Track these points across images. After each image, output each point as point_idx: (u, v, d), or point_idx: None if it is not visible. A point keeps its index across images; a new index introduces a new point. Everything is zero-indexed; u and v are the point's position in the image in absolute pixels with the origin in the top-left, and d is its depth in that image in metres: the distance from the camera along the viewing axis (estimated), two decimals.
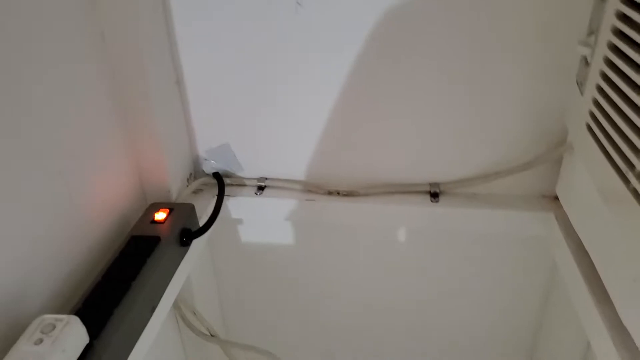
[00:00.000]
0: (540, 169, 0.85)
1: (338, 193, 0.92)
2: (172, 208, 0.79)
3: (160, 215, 0.77)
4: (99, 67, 0.72)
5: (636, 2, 0.44)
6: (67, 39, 0.65)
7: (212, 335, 0.96)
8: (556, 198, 0.85)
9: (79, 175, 0.69)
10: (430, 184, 0.90)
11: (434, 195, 0.89)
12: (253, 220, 0.98)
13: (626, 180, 0.44)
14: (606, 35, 0.51)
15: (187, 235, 0.77)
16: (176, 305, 0.93)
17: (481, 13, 0.73)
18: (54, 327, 0.51)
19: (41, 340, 0.49)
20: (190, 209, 0.81)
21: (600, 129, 0.51)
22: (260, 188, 0.94)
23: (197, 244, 0.83)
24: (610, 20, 0.50)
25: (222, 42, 0.81)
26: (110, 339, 0.57)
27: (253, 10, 0.78)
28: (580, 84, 0.60)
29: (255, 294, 1.07)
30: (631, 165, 0.43)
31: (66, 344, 0.51)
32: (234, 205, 0.93)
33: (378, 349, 1.13)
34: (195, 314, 0.93)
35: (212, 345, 1.00)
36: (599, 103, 0.52)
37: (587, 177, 0.65)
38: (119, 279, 0.64)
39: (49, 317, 0.52)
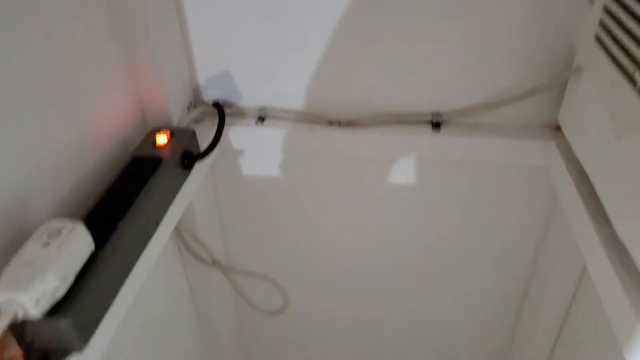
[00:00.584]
0: (542, 98, 0.84)
1: (339, 123, 0.92)
2: (173, 132, 0.79)
3: (161, 139, 0.77)
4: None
5: None
6: None
7: (214, 262, 0.98)
8: (558, 128, 0.85)
9: (80, 98, 0.69)
10: (433, 114, 0.90)
11: (436, 125, 0.89)
12: (254, 150, 0.98)
13: (633, 83, 0.44)
14: None
15: (189, 158, 0.77)
16: (179, 233, 0.94)
17: None
18: (60, 232, 0.52)
19: (48, 244, 0.50)
20: (191, 134, 0.80)
21: (610, 37, 0.51)
22: (261, 118, 0.93)
23: (199, 170, 0.83)
24: None
25: None
26: (114, 250, 0.58)
27: None
28: None
29: (257, 223, 1.08)
30: (638, 66, 0.43)
31: (73, 248, 0.51)
32: (234, 134, 0.93)
33: (377, 283, 1.16)
34: (197, 240, 0.95)
35: (214, 272, 1.02)
36: (608, 9, 0.51)
37: (594, 96, 0.64)
38: (123, 195, 0.65)
39: (55, 223, 0.53)
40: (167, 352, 1.00)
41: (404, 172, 0.97)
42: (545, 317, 1.02)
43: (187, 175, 0.78)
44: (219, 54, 0.90)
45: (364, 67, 0.87)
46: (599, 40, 0.54)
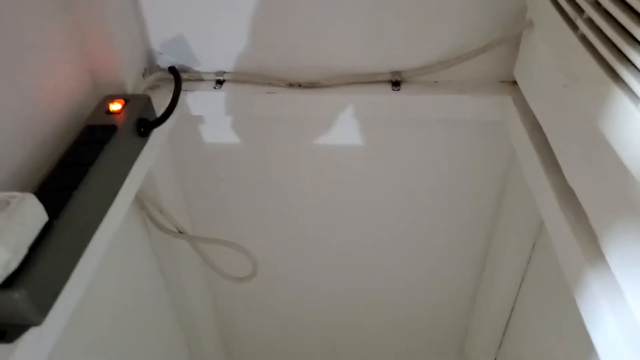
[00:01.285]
0: (498, 53, 0.85)
1: (299, 85, 0.91)
2: (127, 99, 0.77)
3: (115, 106, 0.75)
4: None
5: None
6: None
7: (180, 232, 0.98)
8: (514, 83, 0.86)
9: (21, 64, 0.66)
10: (392, 73, 0.90)
11: (395, 84, 0.89)
12: (213, 116, 0.96)
13: (575, 28, 0.44)
14: None
15: (145, 125, 0.76)
16: (142, 205, 0.93)
17: None
18: (8, 203, 0.50)
19: None
20: (146, 100, 0.78)
21: None
22: (219, 82, 0.92)
23: (157, 137, 0.81)
24: None
25: None
26: (70, 220, 0.57)
27: None
28: None
29: (220, 190, 1.08)
30: (580, 11, 0.43)
31: (24, 219, 0.50)
32: (192, 100, 0.91)
33: (346, 242, 1.17)
34: (162, 211, 0.94)
35: (180, 243, 1.02)
36: None
37: (544, 48, 0.65)
38: (77, 165, 0.63)
39: (3, 194, 0.51)
40: (138, 325, 1.00)
41: (364, 132, 0.97)
42: (504, 276, 1.06)
43: (144, 142, 0.77)
44: (172, 17, 0.87)
45: (321, 28, 0.86)
46: None
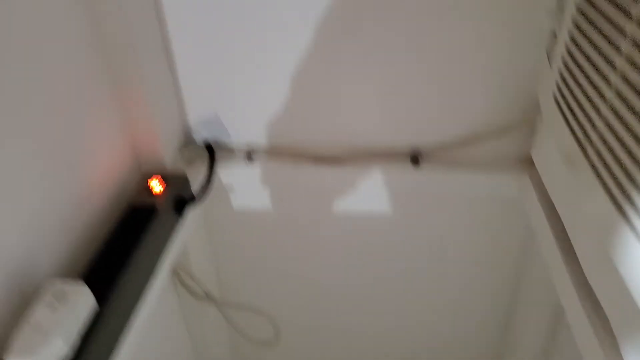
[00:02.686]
0: (516, 133, 0.89)
1: (324, 160, 0.96)
2: (166, 178, 0.83)
3: (155, 185, 0.81)
4: (89, 40, 0.74)
5: None
6: (65, 22, 0.67)
7: (208, 297, 1.02)
8: (532, 162, 0.89)
9: (75, 147, 0.72)
10: (412, 149, 0.94)
11: (415, 160, 0.93)
12: (243, 187, 1.02)
13: (585, 152, 0.49)
14: (571, 13, 0.54)
15: (182, 204, 0.81)
16: (174, 271, 0.98)
17: None
18: (65, 294, 0.56)
19: (54, 307, 0.54)
20: (184, 179, 0.84)
21: (564, 102, 0.55)
22: (249, 156, 0.97)
23: (192, 211, 0.87)
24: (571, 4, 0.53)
25: (209, 17, 0.83)
26: (115, 305, 0.62)
27: None
28: (549, 56, 0.63)
29: (248, 256, 1.12)
30: (588, 139, 0.48)
31: (78, 310, 0.55)
32: (224, 173, 0.97)
33: (367, 308, 1.20)
34: (192, 278, 0.99)
35: (209, 308, 1.06)
36: (564, 77, 0.56)
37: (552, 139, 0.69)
38: (120, 248, 0.69)
39: (60, 284, 0.56)
40: None
41: (386, 205, 1.01)
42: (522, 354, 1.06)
43: (181, 220, 0.82)
44: (208, 95, 0.94)
45: (346, 106, 0.91)
46: (556, 100, 0.59)
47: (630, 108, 0.42)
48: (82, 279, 0.63)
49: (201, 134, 0.98)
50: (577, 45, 0.52)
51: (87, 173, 0.75)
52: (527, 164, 0.91)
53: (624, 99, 0.43)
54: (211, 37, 0.85)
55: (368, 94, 0.89)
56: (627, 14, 0.42)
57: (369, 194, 1.00)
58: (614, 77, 0.44)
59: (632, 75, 0.41)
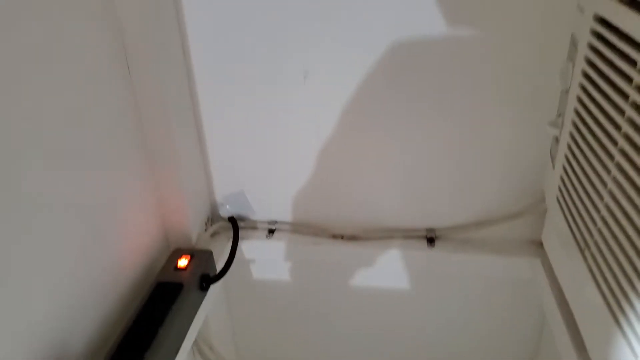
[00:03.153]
0: (528, 217, 0.93)
1: (342, 237, 1.00)
2: (193, 254, 0.88)
3: (182, 262, 0.86)
4: (132, 131, 0.82)
5: (589, 109, 0.53)
6: (108, 105, 0.75)
7: None
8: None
9: (111, 226, 0.78)
10: (427, 229, 0.98)
11: (430, 240, 0.97)
12: (263, 259, 1.06)
13: (584, 256, 0.52)
14: (569, 125, 0.59)
15: (207, 280, 0.86)
16: (195, 343, 1.01)
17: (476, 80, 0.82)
18: None
19: None
20: (209, 255, 0.89)
21: (565, 204, 0.60)
22: (271, 231, 1.03)
23: (215, 286, 0.91)
24: (570, 115, 0.58)
25: (238, 101, 0.91)
26: None
27: (266, 77, 0.88)
28: (553, 158, 0.68)
29: (267, 327, 1.15)
30: (586, 245, 0.51)
31: None
32: (246, 247, 1.02)
33: None
34: (212, 349, 1.02)
35: None
36: (564, 182, 0.60)
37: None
38: (147, 325, 0.73)
39: None
40: None
41: (402, 282, 1.04)
42: None
43: (205, 296, 0.86)
44: (235, 173, 1.00)
45: (366, 186, 0.96)
46: (558, 201, 0.63)
47: (622, 218, 0.46)
48: (111, 356, 0.67)
49: (227, 210, 1.04)
50: (575, 157, 0.57)
51: (120, 250, 0.80)
52: (539, 246, 0.94)
53: (614, 215, 0.47)
54: (240, 118, 0.93)
55: (387, 176, 0.95)
56: (613, 140, 0.47)
57: (386, 271, 1.03)
58: (605, 194, 0.48)
59: (621, 193, 0.46)
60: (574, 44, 0.60)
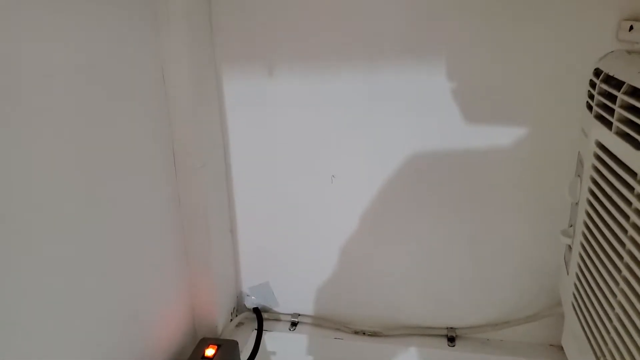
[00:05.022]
0: (546, 320, 0.95)
1: (364, 333, 1.03)
2: (219, 344, 0.91)
3: (209, 352, 0.89)
4: (173, 232, 0.89)
5: (596, 223, 0.58)
6: (158, 209, 0.83)
7: None
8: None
9: (147, 314, 0.83)
10: (447, 329, 1.00)
11: (451, 340, 0.99)
12: (286, 353, 1.08)
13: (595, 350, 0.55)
14: (580, 235, 0.64)
15: None
16: None
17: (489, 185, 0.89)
18: None
19: None
20: (234, 346, 0.92)
21: (580, 311, 0.63)
22: (294, 324, 1.06)
23: None
24: (580, 227, 0.64)
25: (269, 200, 0.99)
26: None
27: (297, 178, 0.96)
28: (567, 264, 0.72)
29: None
30: (602, 352, 0.54)
31: None
32: (269, 339, 1.05)
33: None
34: None
35: None
36: (579, 290, 0.64)
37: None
38: None
39: None
40: None
41: None
42: None
43: None
44: (261, 266, 1.06)
45: (385, 283, 1.00)
46: (573, 307, 0.67)
47: (632, 329, 0.49)
48: None
49: (252, 301, 1.08)
50: (587, 267, 0.61)
51: (152, 337, 0.84)
52: (559, 350, 0.95)
53: (625, 325, 0.50)
54: (270, 214, 1.00)
55: (407, 274, 0.99)
56: (619, 254, 0.52)
57: None
58: (615, 304, 0.52)
59: (629, 304, 0.50)
60: (580, 162, 0.67)
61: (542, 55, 0.79)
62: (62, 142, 0.61)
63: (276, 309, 1.08)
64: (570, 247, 0.71)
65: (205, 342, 0.92)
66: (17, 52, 0.54)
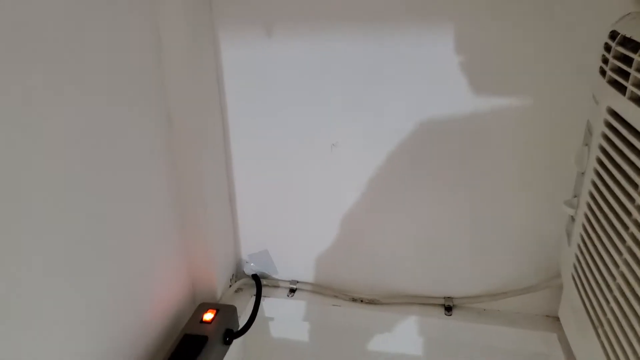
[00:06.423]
0: (544, 291, 0.95)
1: (361, 300, 1.03)
2: (218, 309, 0.91)
3: (208, 316, 0.89)
4: (169, 197, 0.88)
5: (603, 194, 0.57)
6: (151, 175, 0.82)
7: None
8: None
9: (144, 280, 0.82)
10: (445, 298, 1.01)
11: (448, 309, 0.99)
12: (283, 318, 1.09)
13: (597, 334, 0.55)
14: (584, 206, 0.64)
15: (230, 335, 0.89)
16: None
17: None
18: None
19: None
20: (233, 311, 0.93)
21: (580, 282, 0.63)
22: (292, 290, 1.06)
23: (236, 341, 0.94)
24: (585, 197, 0.63)
25: (268, 167, 0.98)
26: None
27: (297, 147, 0.95)
28: (568, 235, 0.72)
29: None
30: (600, 323, 0.54)
31: None
32: (268, 305, 1.05)
33: None
34: None
35: None
36: (579, 260, 0.64)
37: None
38: None
39: None
40: None
41: (418, 348, 1.05)
42: None
43: (227, 349, 0.89)
44: (261, 234, 1.05)
45: (384, 252, 1.00)
46: (572, 277, 0.67)
47: (634, 299, 0.49)
48: None
49: (251, 268, 1.08)
50: (590, 238, 0.61)
51: (150, 302, 0.85)
52: (556, 321, 0.95)
53: (626, 295, 0.50)
54: (269, 184, 0.99)
55: (407, 243, 0.99)
56: (624, 225, 0.52)
57: (403, 336, 1.04)
58: (618, 274, 0.52)
59: (632, 275, 0.49)
60: (589, 130, 0.66)
61: (554, 18, 0.77)
62: (57, 107, 0.60)
63: (275, 276, 1.09)
64: (573, 218, 0.70)
65: (204, 307, 0.93)
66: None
